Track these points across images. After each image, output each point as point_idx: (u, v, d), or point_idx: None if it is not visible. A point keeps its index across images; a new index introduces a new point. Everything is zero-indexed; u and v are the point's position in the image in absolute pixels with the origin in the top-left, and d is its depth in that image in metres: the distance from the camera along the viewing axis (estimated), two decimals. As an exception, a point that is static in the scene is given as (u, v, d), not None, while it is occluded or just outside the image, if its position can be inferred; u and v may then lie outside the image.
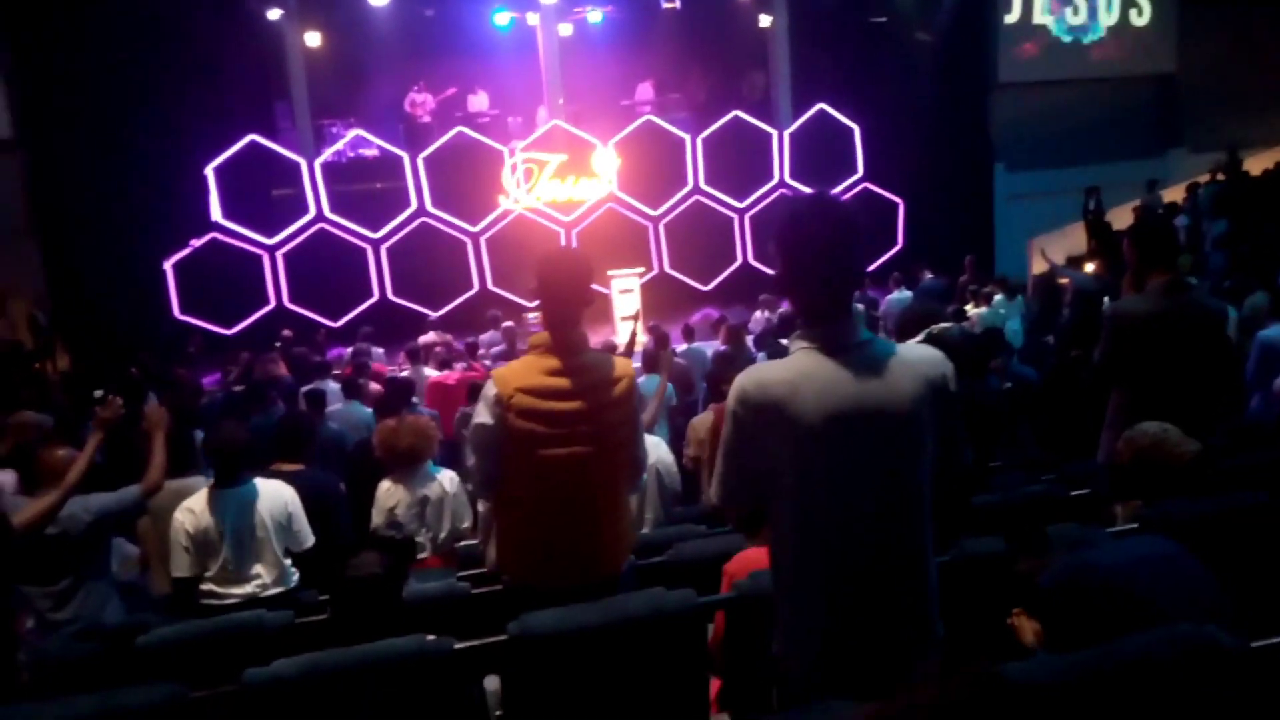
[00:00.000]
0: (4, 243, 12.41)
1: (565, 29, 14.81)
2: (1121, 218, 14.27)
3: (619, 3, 15.06)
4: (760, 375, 1.93)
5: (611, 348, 8.95)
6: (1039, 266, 14.50)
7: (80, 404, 7.81)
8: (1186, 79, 17.61)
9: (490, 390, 2.72)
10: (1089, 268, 13.82)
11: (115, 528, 4.11)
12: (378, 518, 4.04)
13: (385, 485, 4.11)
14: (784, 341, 8.32)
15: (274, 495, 3.85)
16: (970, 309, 9.95)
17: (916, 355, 1.97)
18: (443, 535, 4.07)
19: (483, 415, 2.72)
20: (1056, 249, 15.53)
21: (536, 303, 2.88)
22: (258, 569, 3.76)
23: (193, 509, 3.76)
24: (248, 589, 3.73)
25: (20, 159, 12.51)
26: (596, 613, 2.33)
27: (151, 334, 11.76)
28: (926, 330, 3.22)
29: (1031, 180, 16.12)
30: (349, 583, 2.32)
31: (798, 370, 1.90)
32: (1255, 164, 15.42)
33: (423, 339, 10.09)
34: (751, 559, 2.76)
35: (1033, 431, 5.88)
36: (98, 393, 4.54)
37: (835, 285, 1.94)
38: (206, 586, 3.76)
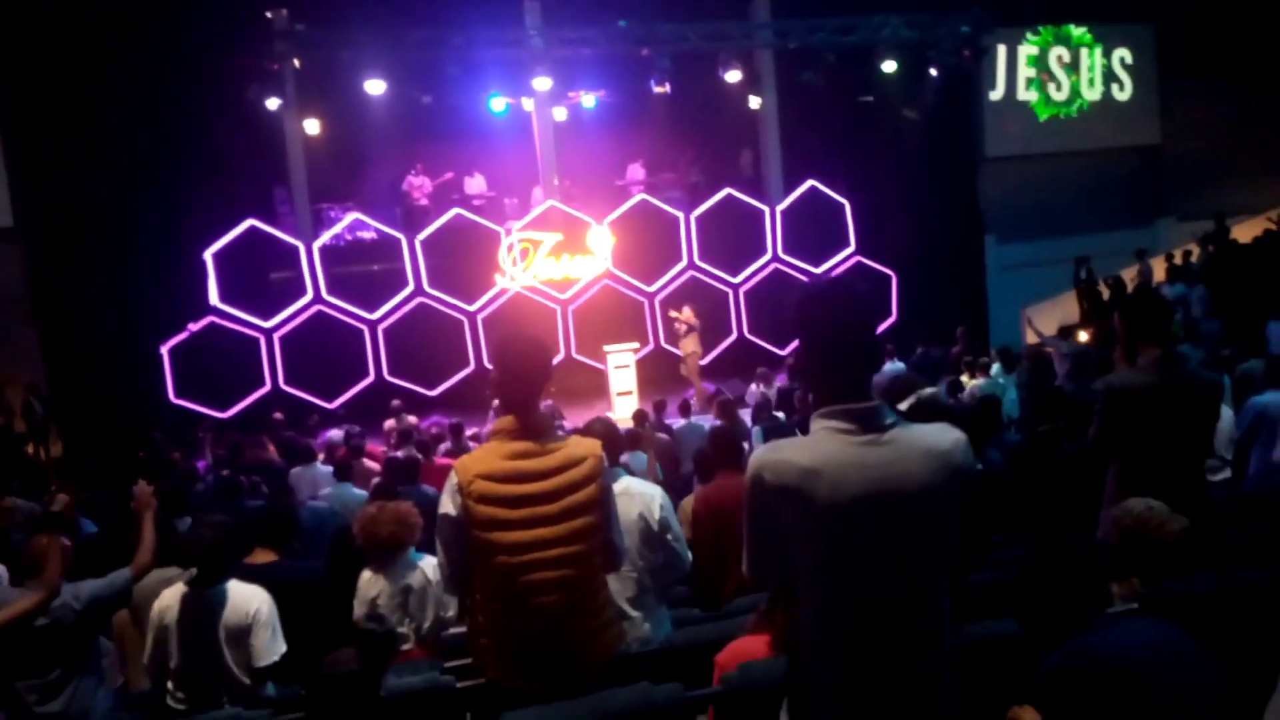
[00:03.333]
0: (5, 330, 12.49)
1: (560, 113, 15.10)
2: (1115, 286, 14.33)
3: (612, 87, 15.38)
4: (777, 457, 1.90)
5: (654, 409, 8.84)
6: (1031, 337, 14.59)
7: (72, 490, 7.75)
8: (1170, 150, 17.96)
9: (452, 479, 2.68)
10: (1082, 336, 13.90)
11: (106, 614, 4.02)
12: (359, 608, 3.93)
13: (366, 575, 4.01)
14: (780, 415, 8.26)
15: (239, 605, 3.65)
16: (966, 379, 9.91)
17: (942, 439, 1.94)
18: (426, 625, 3.96)
19: (445, 505, 2.68)
20: (1050, 318, 15.66)
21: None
22: (204, 681, 3.60)
23: (162, 602, 3.68)
24: (199, 699, 3.57)
25: (20, 247, 12.65)
26: (581, 709, 2.26)
27: (150, 419, 11.70)
28: (915, 395, 3.19)
29: (1023, 251, 16.29)
30: (325, 680, 2.24)
31: (817, 454, 1.88)
32: (1242, 231, 15.60)
33: (387, 424, 10.05)
34: (743, 650, 2.68)
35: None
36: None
37: (857, 367, 1.94)
38: (170, 685, 3.66)
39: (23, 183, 12.51)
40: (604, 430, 3.55)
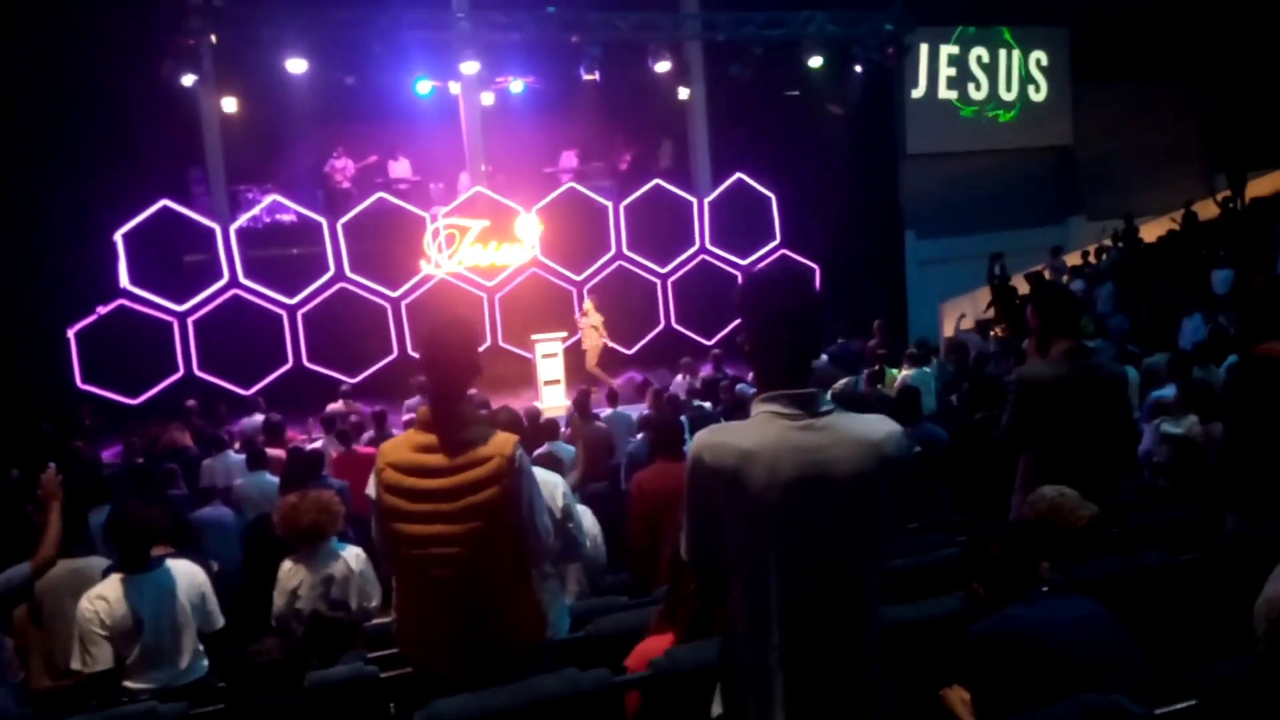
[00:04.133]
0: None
1: (487, 98, 14.91)
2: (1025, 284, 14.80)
3: (540, 73, 15.25)
4: (717, 439, 1.94)
5: (536, 413, 8.86)
6: (952, 329, 14.99)
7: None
8: (1082, 150, 18.62)
9: (375, 463, 2.73)
10: (996, 331, 14.34)
11: (2, 611, 3.86)
12: (279, 600, 3.86)
13: (287, 565, 3.93)
14: (706, 405, 8.32)
15: (189, 577, 3.69)
16: (895, 371, 10.12)
17: (876, 430, 1.98)
18: (350, 615, 3.92)
19: (370, 487, 2.74)
20: (969, 314, 16.12)
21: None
22: (176, 656, 3.57)
23: (105, 597, 3.52)
24: (161, 679, 3.52)
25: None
26: (508, 696, 2.26)
27: (53, 405, 11.24)
28: (829, 390, 3.26)
29: (941, 247, 16.73)
30: (248, 670, 2.20)
31: (756, 437, 1.91)
32: (1148, 231, 16.26)
33: (330, 407, 9.86)
34: (649, 650, 2.70)
35: (945, 493, 5.96)
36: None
37: (799, 352, 1.99)
38: (129, 682, 3.54)
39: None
40: (509, 421, 3.51)
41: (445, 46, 13.21)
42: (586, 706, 2.32)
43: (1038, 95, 18.27)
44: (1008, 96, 18.04)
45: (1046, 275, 14.82)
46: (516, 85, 15.45)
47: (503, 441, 2.69)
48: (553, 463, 4.94)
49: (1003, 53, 17.92)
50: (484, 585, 2.65)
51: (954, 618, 2.92)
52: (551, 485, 3.56)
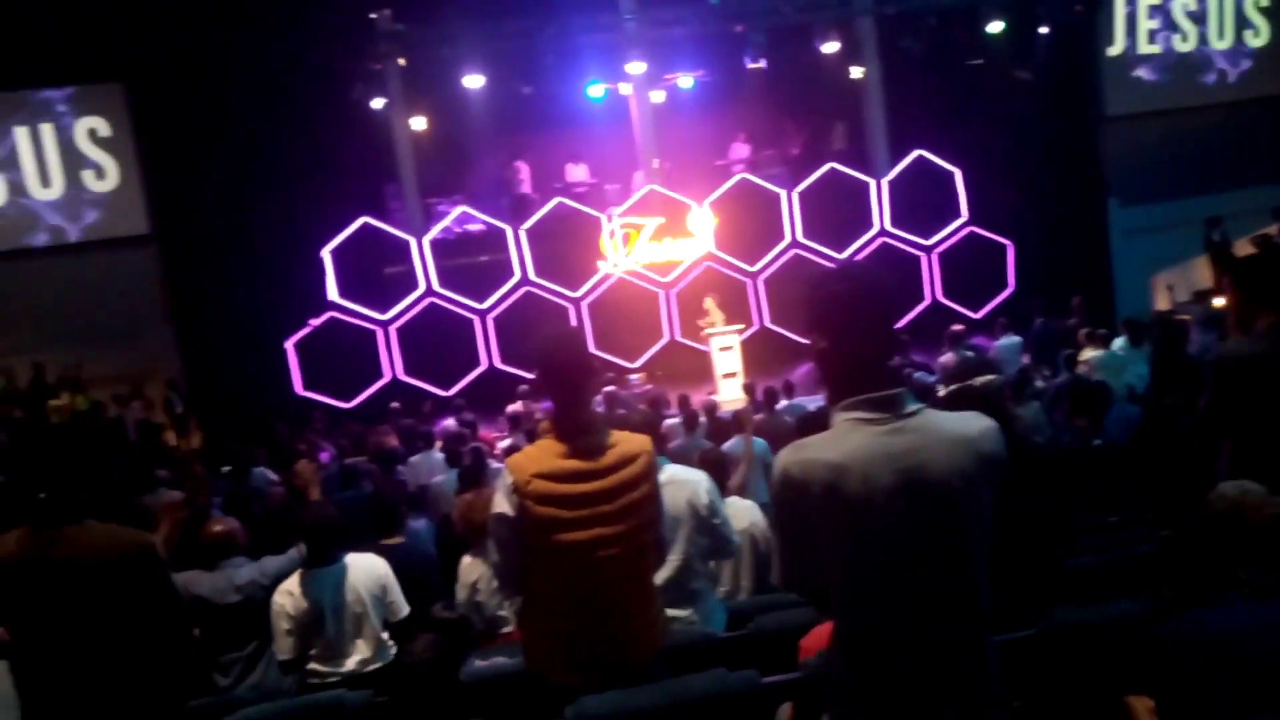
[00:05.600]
0: (144, 330, 13.40)
1: (657, 96, 15.08)
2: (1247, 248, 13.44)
3: (709, 66, 15.27)
4: (804, 456, 1.86)
5: (713, 406, 8.91)
6: (1162, 303, 13.83)
7: (214, 479, 8.24)
8: (1312, 97, 16.66)
9: (507, 478, 2.66)
10: (1218, 302, 13.08)
11: None
12: (461, 593, 4.08)
13: (467, 560, 4.15)
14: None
15: (367, 569, 3.93)
16: (1085, 353, 9.47)
17: (970, 427, 1.88)
18: (526, 607, 4.08)
19: (501, 505, 2.65)
20: (1181, 285, 14.80)
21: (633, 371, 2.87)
22: (358, 644, 3.84)
23: (291, 591, 3.87)
24: (349, 665, 3.82)
25: (156, 251, 13.53)
26: (656, 695, 2.29)
27: (279, 411, 12.34)
28: (961, 383, 3.09)
29: (1149, 214, 15.41)
30: (402, 667, 2.34)
31: (843, 448, 1.83)
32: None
33: (510, 407, 10.25)
34: (828, 632, 2.66)
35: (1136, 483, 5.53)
36: None
37: (875, 354, 1.89)
38: (312, 665, 3.86)
39: (155, 192, 13.35)
40: (644, 422, 3.49)
41: (614, 49, 13.47)
42: (733, 707, 2.33)
43: (1256, 40, 16.47)
44: (1220, 45, 16.38)
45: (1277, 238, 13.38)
46: (685, 80, 15.55)
47: (642, 439, 2.74)
48: (719, 458, 4.97)
49: (1212, -1, 16.30)
50: (638, 585, 2.68)
51: (1138, 620, 2.73)
52: (694, 484, 3.53)
